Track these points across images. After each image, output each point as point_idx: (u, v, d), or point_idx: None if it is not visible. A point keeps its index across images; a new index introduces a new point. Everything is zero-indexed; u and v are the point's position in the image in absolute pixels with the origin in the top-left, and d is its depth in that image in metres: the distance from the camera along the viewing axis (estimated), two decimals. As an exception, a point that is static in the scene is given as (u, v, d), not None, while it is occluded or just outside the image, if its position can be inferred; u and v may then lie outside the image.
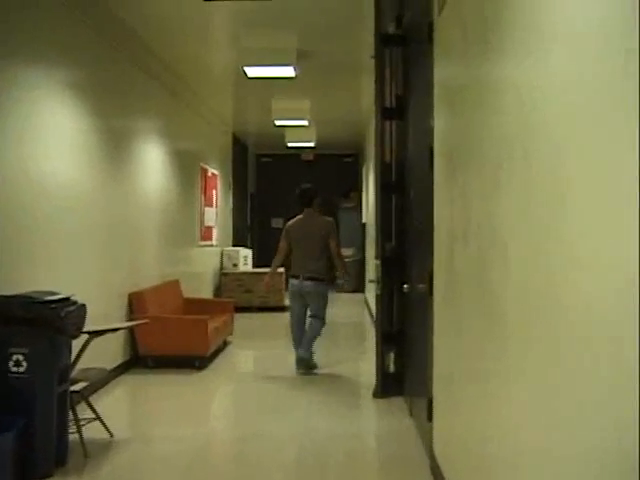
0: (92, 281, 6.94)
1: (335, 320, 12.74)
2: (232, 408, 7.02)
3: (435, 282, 4.63)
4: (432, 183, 4.71)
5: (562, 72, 2.11)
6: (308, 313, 8.07)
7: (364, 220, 16.39)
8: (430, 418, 4.75)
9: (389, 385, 6.89)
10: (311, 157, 18.65)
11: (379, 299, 6.92)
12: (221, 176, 14.17)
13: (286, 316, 13.11)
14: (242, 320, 11.62)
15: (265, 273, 13.74)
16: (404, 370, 6.83)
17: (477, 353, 3.35)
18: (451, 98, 4.15)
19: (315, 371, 7.93)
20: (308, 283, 7.90)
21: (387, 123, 7.18)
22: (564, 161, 2.07)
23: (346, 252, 17.60)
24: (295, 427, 5.88)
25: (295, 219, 8.26)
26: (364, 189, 16.40)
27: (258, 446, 5.38)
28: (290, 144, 16.10)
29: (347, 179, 18.92)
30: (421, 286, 5.48)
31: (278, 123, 13.38)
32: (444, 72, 4.39)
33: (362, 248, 16.93)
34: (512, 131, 2.69)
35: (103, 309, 7.06)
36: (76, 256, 6.54)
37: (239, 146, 16.51)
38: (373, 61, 7.28)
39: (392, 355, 7.14)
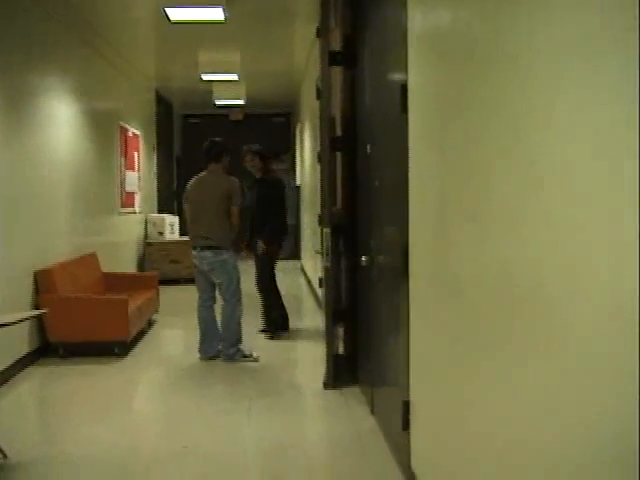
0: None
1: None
2: (158, 410, 5.81)
3: (412, 258, 3.67)
4: (405, 134, 3.73)
5: None
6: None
7: (298, 183, 15.49)
8: (406, 426, 3.82)
9: (341, 373, 5.96)
10: (240, 117, 17.46)
11: (328, 273, 5.94)
12: (144, 137, 12.94)
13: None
14: (169, 294, 10.52)
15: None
16: (357, 354, 5.92)
17: (493, 356, 2.44)
18: (440, 34, 3.17)
19: (251, 360, 6.79)
20: (207, 254, 6.71)
21: (334, 70, 6.21)
22: None
23: (279, 217, 16.74)
24: (234, 437, 4.86)
25: (195, 178, 7.05)
26: (298, 150, 15.45)
27: (192, 465, 4.36)
28: (218, 102, 14.99)
29: (279, 140, 17.88)
30: (382, 258, 4.55)
31: (205, 78, 12.25)
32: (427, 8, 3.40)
33: (296, 213, 16.05)
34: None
35: (-2, 293, 5.95)
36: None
37: (163, 105, 15.24)
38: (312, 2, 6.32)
39: (341, 333, 6.24)
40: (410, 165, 3.65)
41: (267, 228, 7.61)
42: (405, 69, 3.70)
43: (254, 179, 7.94)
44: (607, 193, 1.63)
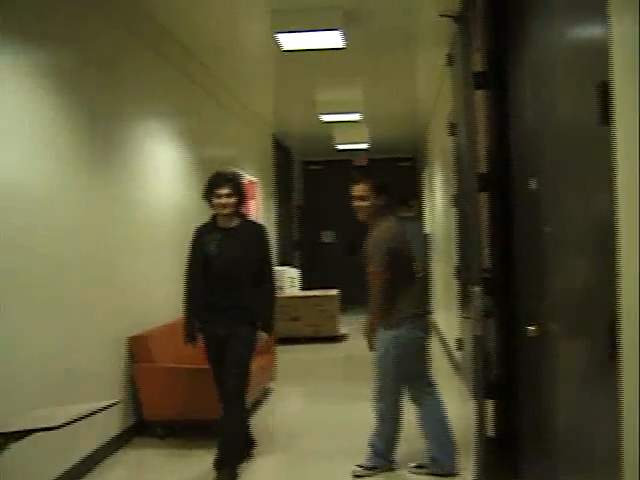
0: (67, 326, 4.94)
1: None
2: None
3: (625, 333, 2.47)
4: (604, 154, 2.56)
5: None
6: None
7: (428, 230, 14.40)
8: None
9: (493, 461, 4.72)
10: (365, 162, 16.39)
11: (480, 342, 4.76)
12: (261, 184, 12.11)
13: (342, 347, 11.05)
14: (289, 355, 9.50)
15: (316, 297, 11.86)
16: (514, 438, 4.68)
17: None
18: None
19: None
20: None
21: (476, 96, 5.15)
22: None
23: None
24: None
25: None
26: (427, 196, 14.40)
27: None
28: (340, 147, 14.09)
29: (405, 186, 16.83)
30: (562, 328, 3.37)
31: (325, 119, 11.33)
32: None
33: (425, 263, 14.96)
34: None
35: (78, 363, 5.06)
36: (46, 293, 4.58)
37: (282, 151, 14.45)
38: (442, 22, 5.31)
39: (490, 410, 5.03)
40: (620, 197, 2.46)
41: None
42: (605, 70, 2.53)
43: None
44: None
